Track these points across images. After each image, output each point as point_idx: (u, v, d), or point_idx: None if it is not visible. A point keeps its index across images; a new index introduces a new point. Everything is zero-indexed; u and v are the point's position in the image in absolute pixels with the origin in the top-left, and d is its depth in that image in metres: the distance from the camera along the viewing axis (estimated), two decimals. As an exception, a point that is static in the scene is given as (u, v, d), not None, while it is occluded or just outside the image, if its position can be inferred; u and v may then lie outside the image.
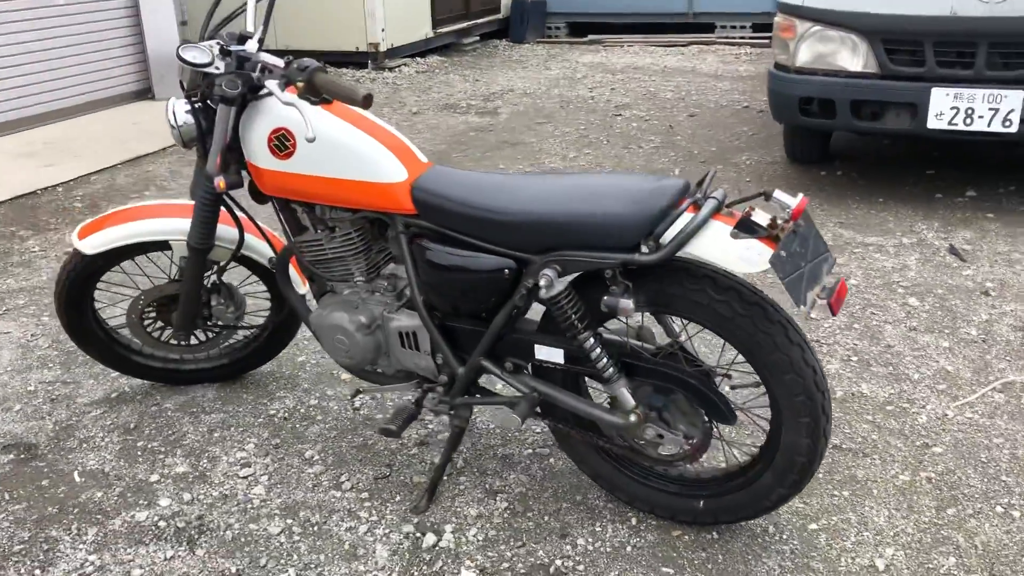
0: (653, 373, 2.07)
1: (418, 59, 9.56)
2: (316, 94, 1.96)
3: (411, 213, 2.18)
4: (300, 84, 1.95)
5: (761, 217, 1.89)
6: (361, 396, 2.86)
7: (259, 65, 2.14)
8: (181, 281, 2.62)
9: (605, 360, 2.05)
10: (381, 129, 2.25)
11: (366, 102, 1.90)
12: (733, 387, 2.20)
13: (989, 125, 4.24)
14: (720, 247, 1.87)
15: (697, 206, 1.90)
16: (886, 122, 4.49)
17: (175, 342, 2.76)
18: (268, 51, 2.24)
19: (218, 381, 2.97)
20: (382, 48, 9.00)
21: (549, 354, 2.14)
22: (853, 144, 5.77)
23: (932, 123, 4.33)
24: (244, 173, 2.35)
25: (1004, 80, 4.19)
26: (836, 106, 4.52)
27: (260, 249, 2.65)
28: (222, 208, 2.47)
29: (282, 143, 2.19)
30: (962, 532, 2.24)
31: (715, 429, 2.12)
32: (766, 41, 10.46)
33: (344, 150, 2.15)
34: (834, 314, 1.86)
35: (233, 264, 2.65)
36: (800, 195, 1.84)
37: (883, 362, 3.07)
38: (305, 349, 3.20)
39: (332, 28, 8.90)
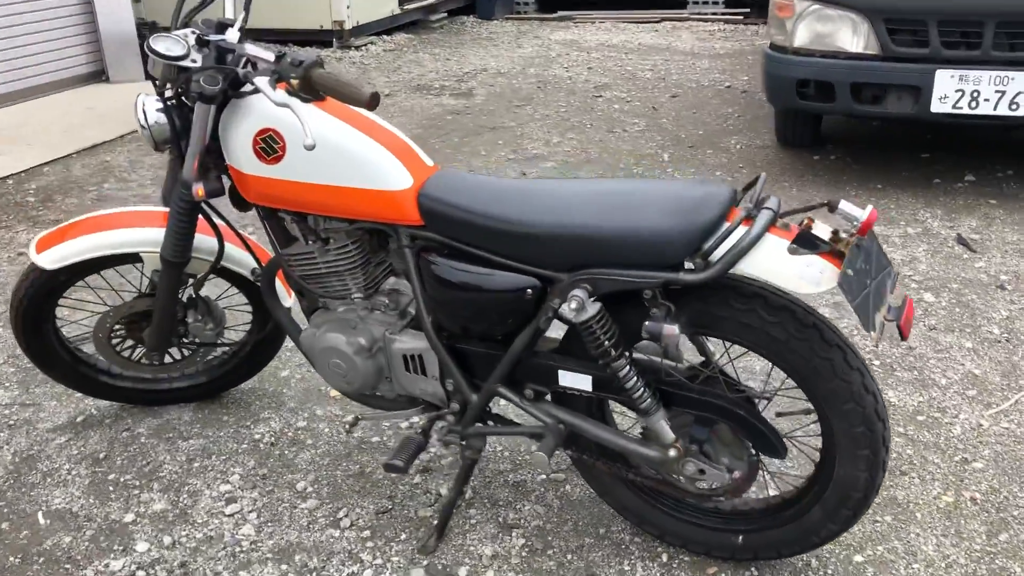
0: (695, 402, 1.85)
1: (384, 37, 9.23)
2: (313, 93, 1.71)
3: (417, 224, 1.94)
4: (295, 81, 1.69)
5: (822, 230, 1.68)
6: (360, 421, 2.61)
7: (244, 59, 1.88)
8: (153, 296, 2.36)
9: (642, 390, 1.83)
10: (380, 128, 2.00)
11: (372, 102, 1.65)
12: (780, 415, 2.00)
13: (995, 108, 4.07)
14: (778, 265, 1.65)
15: (749, 217, 1.68)
16: (888, 106, 4.31)
17: (148, 362, 2.49)
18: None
19: (195, 401, 2.72)
20: (347, 26, 8.65)
21: (575, 381, 1.92)
22: (845, 127, 5.59)
23: (936, 107, 4.16)
24: (225, 178, 2.09)
25: (1012, 61, 4.02)
26: (835, 89, 4.33)
27: (242, 260, 2.39)
28: (200, 216, 2.21)
29: (269, 146, 1.94)
30: (1018, 561, 2.07)
31: (761, 461, 1.92)
32: (739, 17, 10.27)
33: (341, 154, 1.90)
34: (904, 338, 1.66)
35: (212, 276, 2.38)
36: (869, 207, 1.63)
37: (907, 366, 2.89)
38: (289, 362, 2.95)
39: (294, 5, 8.52)
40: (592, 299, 1.77)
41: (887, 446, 1.79)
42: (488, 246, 1.87)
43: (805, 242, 1.65)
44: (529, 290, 1.83)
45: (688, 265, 1.69)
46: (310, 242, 2.09)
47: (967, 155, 4.99)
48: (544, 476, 2.38)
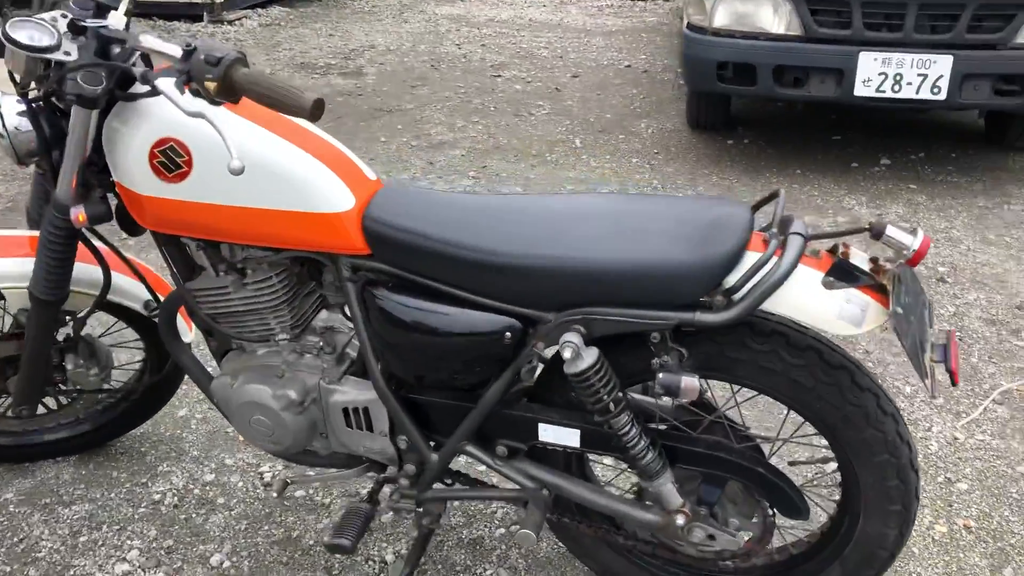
0: (704, 458, 1.58)
1: (259, 10, 8.59)
2: (232, 99, 1.33)
3: (362, 252, 1.58)
4: (211, 84, 1.30)
5: (859, 258, 1.43)
6: (277, 474, 2.23)
7: (137, 53, 1.47)
8: (19, 338, 1.92)
9: (647, 450, 1.54)
10: (309, 134, 1.63)
11: (316, 111, 1.29)
12: (793, 464, 1.75)
13: (918, 92, 3.97)
14: (811, 301, 1.39)
15: (775, 243, 1.41)
16: (810, 89, 4.15)
17: (15, 415, 2.04)
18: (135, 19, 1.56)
19: (76, 453, 2.27)
20: (219, -2, 7.99)
21: (559, 436, 1.61)
22: (751, 108, 5.46)
23: (859, 90, 4.03)
24: (112, 195, 1.68)
25: (933, 44, 3.93)
26: (757, 72, 4.15)
27: (132, 293, 1.98)
28: (80, 242, 1.78)
29: (171, 160, 1.54)
30: (1028, 598, 1.91)
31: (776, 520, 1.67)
32: (627, -8, 10.09)
33: (264, 169, 1.52)
34: (955, 383, 1.42)
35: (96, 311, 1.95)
36: (920, 232, 1.38)
37: (867, 373, 2.72)
38: (187, 398, 2.52)
39: (158, -25, 7.81)
40: (588, 345, 1.47)
41: (919, 498, 1.57)
42: (453, 280, 1.54)
43: (842, 274, 1.40)
44: (507, 333, 1.51)
45: (708, 302, 1.40)
46: (222, 273, 1.70)
47: (878, 136, 4.93)
48: (503, 529, 2.07)
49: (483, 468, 2.06)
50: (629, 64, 6.74)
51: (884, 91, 4.00)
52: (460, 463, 1.81)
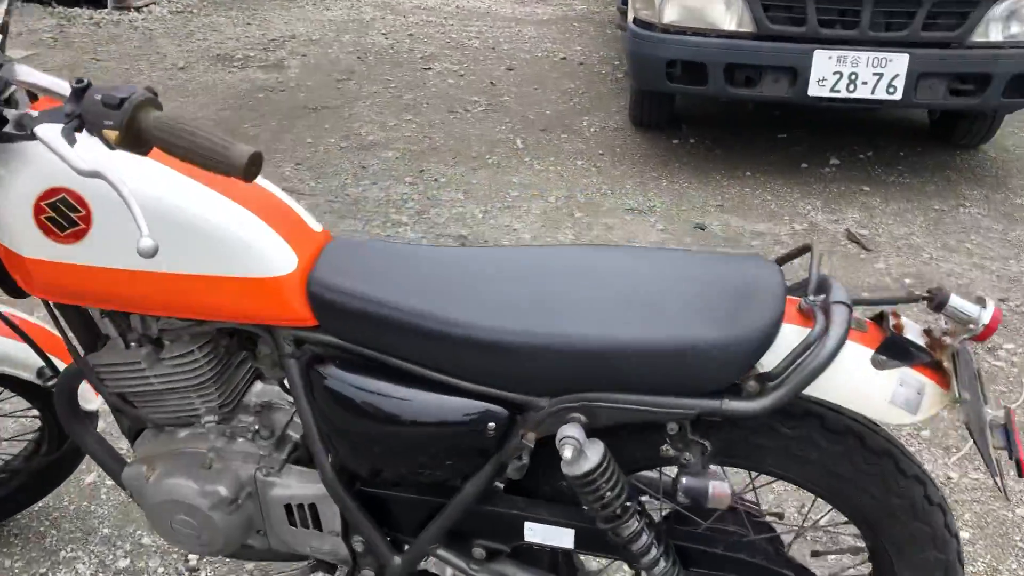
0: (723, 562, 1.34)
1: (169, -4, 8.07)
2: (140, 150, 1.02)
3: (307, 324, 1.29)
4: (111, 134, 0.99)
5: (911, 328, 1.21)
6: (203, 558, 1.92)
7: (11, 89, 1.14)
8: None
9: (657, 555, 1.29)
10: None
11: (251, 168, 0.99)
12: (816, 555, 1.52)
13: (873, 92, 3.82)
14: (860, 385, 1.16)
15: (815, 314, 1.17)
16: (763, 88, 3.96)
17: None
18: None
19: (-40, 538, 1.93)
20: (124, -17, 7.45)
21: (550, 536, 1.35)
22: (693, 104, 5.26)
23: (813, 90, 3.86)
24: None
25: (889, 42, 3.78)
26: (708, 71, 3.94)
27: (20, 359, 1.64)
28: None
29: (63, 216, 1.22)
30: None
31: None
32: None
33: (186, 227, 1.22)
34: (1022, 473, 1.21)
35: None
36: (991, 303, 1.16)
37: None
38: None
39: (56, -43, 7.23)
40: (591, 439, 1.21)
41: (963, 593, 1.36)
42: (419, 357, 1.26)
43: (894, 350, 1.17)
44: (490, 424, 1.24)
45: (740, 386, 1.16)
46: (133, 345, 1.39)
47: (824, 134, 4.79)
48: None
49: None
50: (564, 56, 6.49)
51: (839, 91, 3.84)
52: (428, 563, 1.55)
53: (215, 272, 1.24)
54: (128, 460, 1.54)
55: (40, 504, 2.04)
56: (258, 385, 1.52)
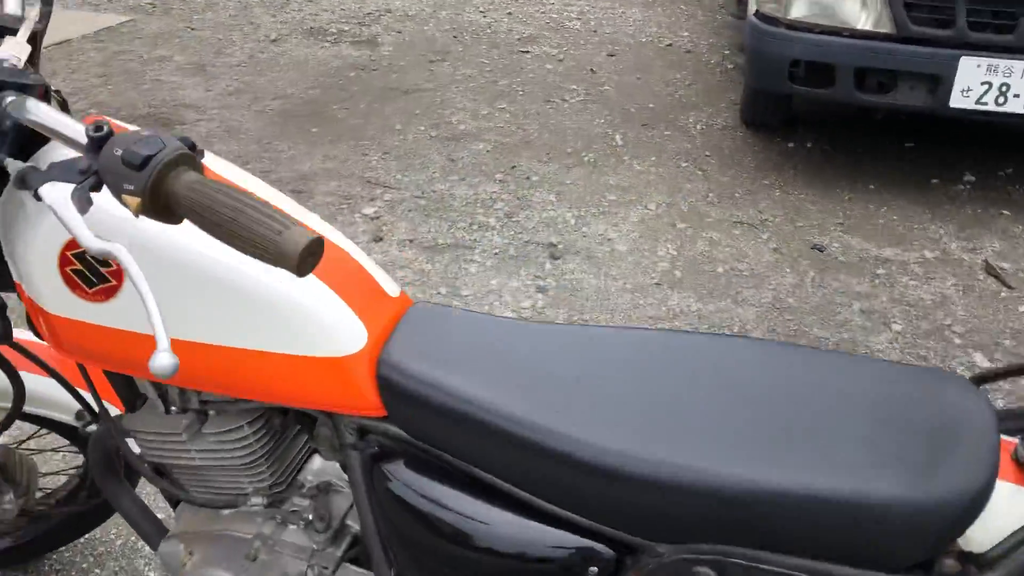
0: None
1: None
2: (172, 219, 0.79)
3: (373, 414, 1.06)
4: (132, 201, 0.76)
5: None
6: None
7: (14, 124, 0.91)
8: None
9: None
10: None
11: (307, 260, 0.75)
12: None
13: (1026, 107, 3.40)
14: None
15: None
16: (897, 96, 3.58)
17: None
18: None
19: (-5, 573, 1.77)
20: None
21: None
22: (807, 104, 4.85)
23: (956, 101, 3.45)
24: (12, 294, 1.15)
25: (1049, 51, 3.35)
26: (837, 73, 3.57)
27: (57, 402, 1.45)
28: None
29: (91, 270, 1.01)
30: None
31: None
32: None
33: (233, 292, 0.99)
34: None
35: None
36: None
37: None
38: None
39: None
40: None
41: None
42: (509, 473, 1.01)
43: None
44: (592, 569, 0.99)
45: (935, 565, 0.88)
46: (173, 411, 1.18)
47: (957, 143, 4.35)
48: None
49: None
50: (670, 43, 6.12)
51: (986, 103, 3.43)
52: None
53: (265, 348, 1.01)
54: (168, 527, 1.34)
55: (86, 537, 1.87)
56: (316, 461, 1.29)
